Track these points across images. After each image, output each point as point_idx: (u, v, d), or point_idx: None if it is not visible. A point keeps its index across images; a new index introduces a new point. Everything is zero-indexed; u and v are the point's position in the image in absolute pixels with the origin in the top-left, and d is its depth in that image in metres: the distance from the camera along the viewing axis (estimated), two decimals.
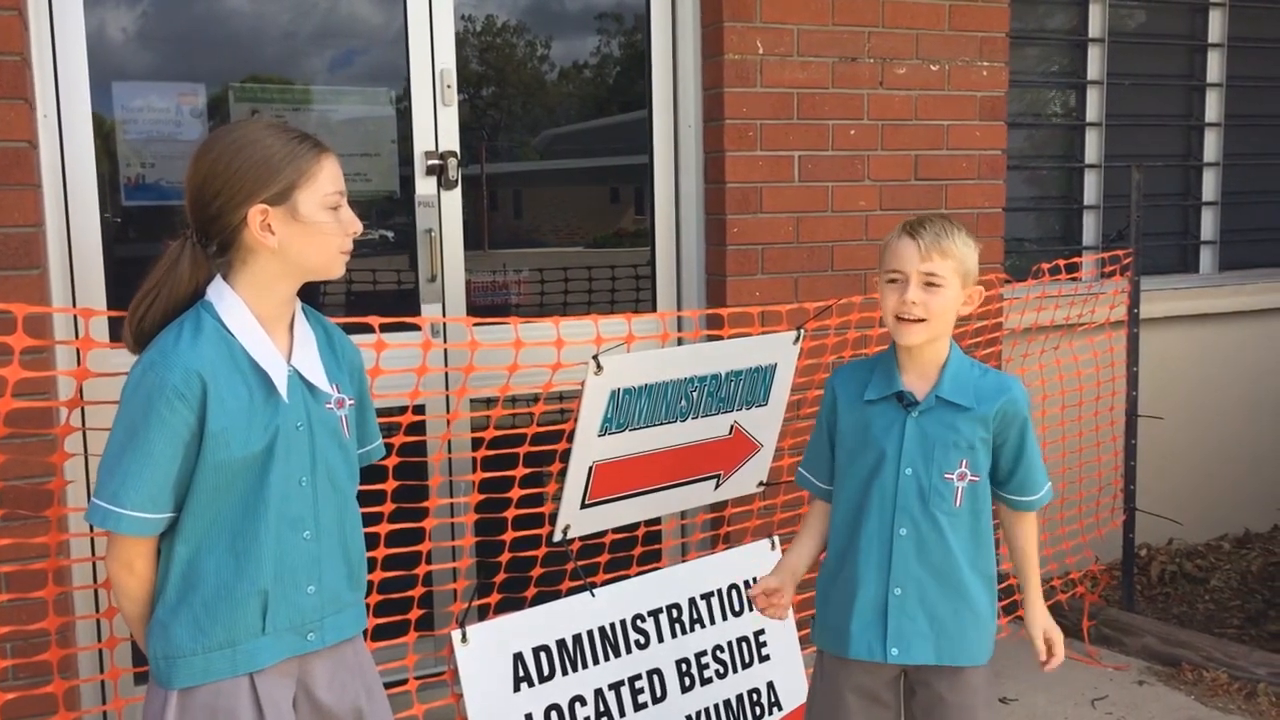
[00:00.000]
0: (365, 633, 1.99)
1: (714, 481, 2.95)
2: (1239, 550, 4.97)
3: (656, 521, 3.33)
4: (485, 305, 3.51)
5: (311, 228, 1.78)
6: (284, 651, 1.81)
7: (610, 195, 3.84)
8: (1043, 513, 3.89)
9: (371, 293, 3.37)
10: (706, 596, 2.91)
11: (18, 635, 2.32)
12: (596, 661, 2.68)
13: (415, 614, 2.73)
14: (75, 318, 2.85)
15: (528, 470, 2.84)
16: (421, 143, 3.31)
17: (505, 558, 2.86)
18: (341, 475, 1.88)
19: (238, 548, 1.76)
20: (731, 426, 2.89)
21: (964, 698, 2.16)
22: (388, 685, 2.05)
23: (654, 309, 3.70)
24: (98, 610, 2.78)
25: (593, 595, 2.69)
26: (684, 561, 3.06)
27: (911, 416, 2.16)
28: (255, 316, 1.80)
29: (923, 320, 2.09)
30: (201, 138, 3.12)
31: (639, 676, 2.75)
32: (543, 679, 2.59)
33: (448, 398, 3.21)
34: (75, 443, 2.31)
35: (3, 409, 2.10)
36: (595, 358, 2.51)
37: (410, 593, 2.72)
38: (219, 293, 1.80)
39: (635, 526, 3.05)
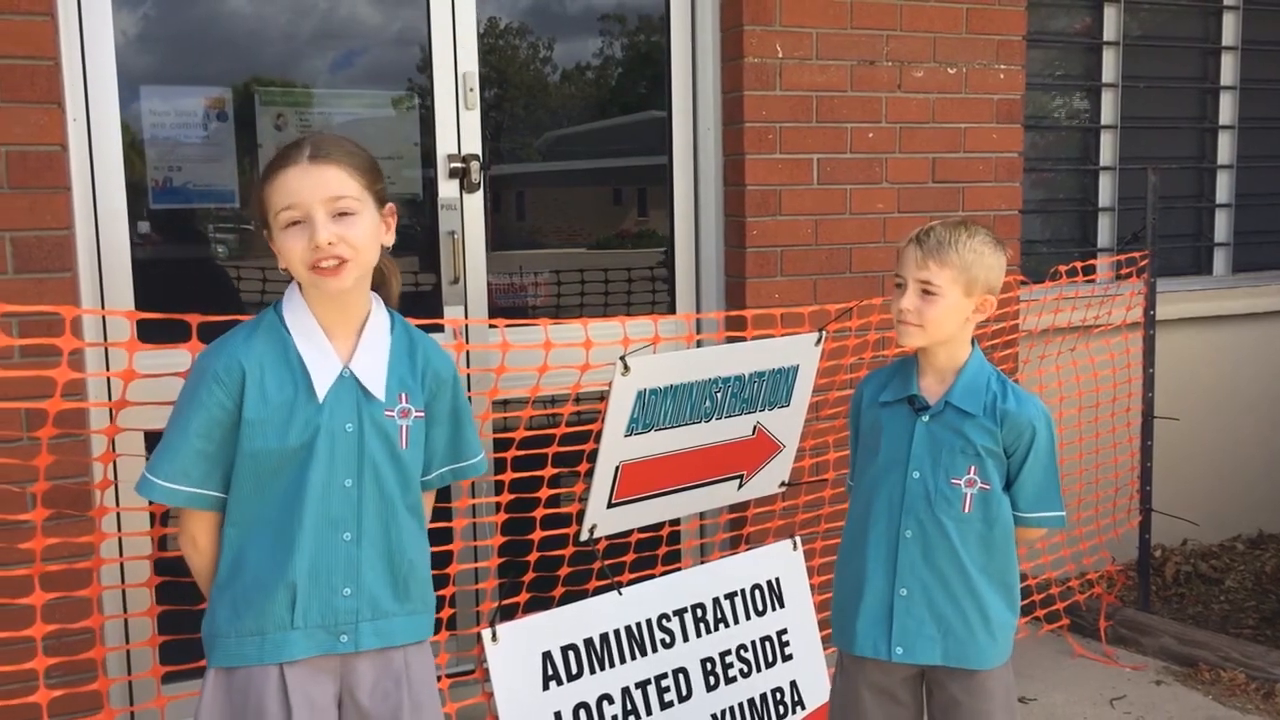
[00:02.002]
0: None
1: (737, 481, 2.97)
2: (1253, 551, 4.98)
3: (679, 521, 3.35)
4: (505, 307, 3.54)
5: (278, 248, 1.81)
6: (314, 648, 1.82)
7: (628, 196, 3.86)
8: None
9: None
10: (730, 596, 2.93)
11: (62, 634, 2.35)
12: (623, 660, 2.70)
13: (446, 613, 2.76)
14: (103, 320, 2.88)
15: (556, 470, 2.87)
16: (444, 146, 3.34)
17: (533, 557, 2.88)
18: (391, 483, 1.87)
19: (276, 540, 1.80)
20: (754, 427, 2.92)
21: (979, 702, 2.17)
22: None
23: (673, 310, 3.72)
24: (125, 610, 2.82)
25: (620, 594, 2.72)
26: (708, 561, 3.09)
27: (921, 420, 2.18)
28: (316, 318, 1.84)
29: (919, 326, 2.13)
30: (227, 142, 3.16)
31: (665, 675, 2.77)
32: (571, 678, 2.61)
33: (469, 399, 3.23)
34: (120, 443, 2.33)
35: (52, 409, 2.12)
36: (623, 358, 2.53)
37: (442, 592, 2.74)
38: (290, 292, 1.88)
39: (660, 526, 3.07)
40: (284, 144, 1.84)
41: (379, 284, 1.97)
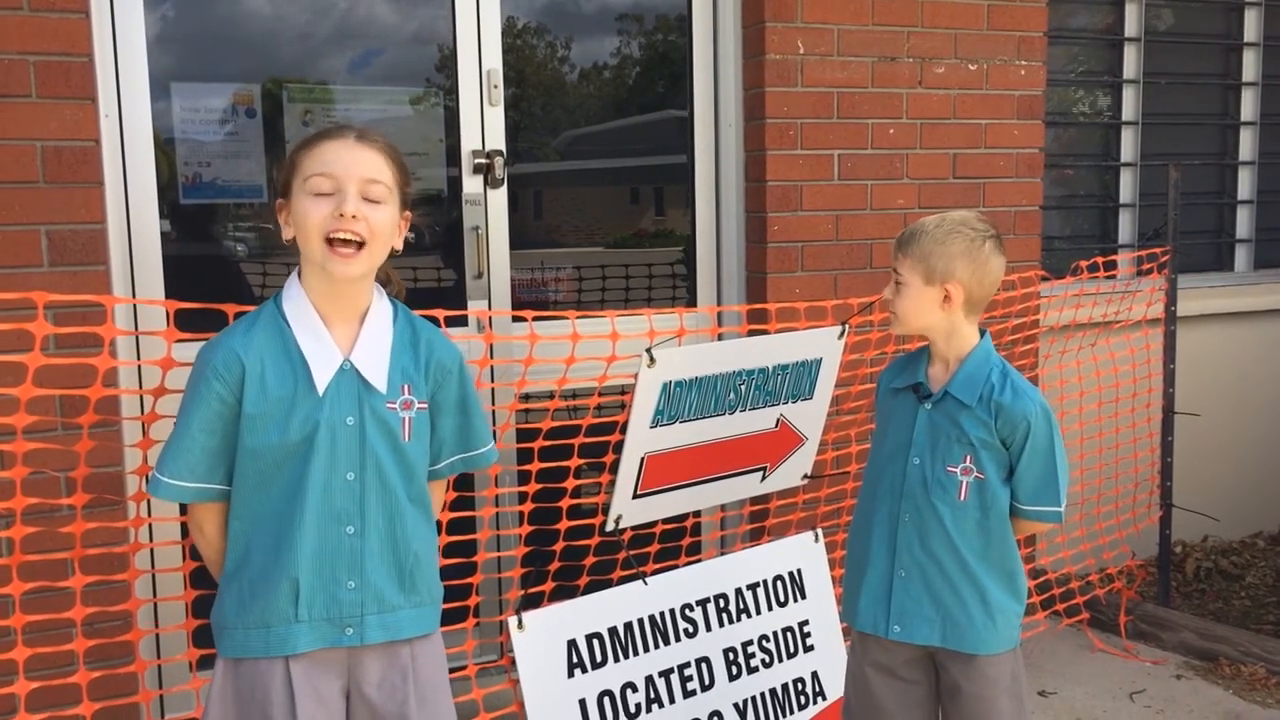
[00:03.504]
0: None
1: (760, 473, 2.99)
2: (1274, 547, 4.97)
3: (701, 513, 3.38)
4: (527, 302, 3.57)
5: (295, 213, 1.80)
6: (319, 641, 1.83)
7: (645, 196, 3.89)
8: (1080, 508, 3.95)
9: (415, 290, 3.42)
10: (753, 587, 2.96)
11: (100, 617, 2.40)
12: (647, 649, 2.73)
13: (472, 601, 2.79)
14: (134, 311, 2.93)
15: (581, 461, 2.90)
16: (468, 142, 3.37)
17: (559, 547, 2.91)
18: (394, 476, 1.86)
19: (279, 534, 1.80)
20: (778, 420, 2.94)
21: (979, 687, 2.20)
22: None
23: (694, 306, 3.75)
24: (155, 595, 2.86)
25: (645, 584, 2.75)
26: (731, 553, 3.11)
27: (924, 408, 2.23)
28: (316, 309, 1.84)
29: (893, 315, 2.25)
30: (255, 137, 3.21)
31: (688, 664, 2.80)
32: (595, 665, 2.64)
33: (493, 391, 3.27)
34: (157, 430, 2.38)
35: (94, 396, 2.17)
36: (648, 350, 2.56)
37: (468, 580, 2.78)
38: (289, 284, 1.87)
39: (684, 517, 3.10)
40: (305, 137, 1.86)
41: (382, 285, 1.97)
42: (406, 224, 1.92)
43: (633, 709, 2.68)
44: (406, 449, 1.87)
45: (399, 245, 1.90)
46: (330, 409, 1.80)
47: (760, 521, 3.50)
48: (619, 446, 2.67)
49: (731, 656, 2.88)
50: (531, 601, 2.74)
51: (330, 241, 1.77)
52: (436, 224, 3.42)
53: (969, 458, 2.17)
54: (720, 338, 3.59)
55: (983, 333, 2.26)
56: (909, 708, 2.28)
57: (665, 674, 2.76)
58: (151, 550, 2.74)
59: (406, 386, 1.88)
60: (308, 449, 1.79)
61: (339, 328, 1.85)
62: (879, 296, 3.40)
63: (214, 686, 1.86)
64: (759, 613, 2.96)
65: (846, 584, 2.37)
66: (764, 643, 2.95)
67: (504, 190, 3.41)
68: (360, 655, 1.86)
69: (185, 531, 2.48)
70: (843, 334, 2.95)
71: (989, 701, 2.19)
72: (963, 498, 2.17)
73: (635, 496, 2.73)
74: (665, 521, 3.02)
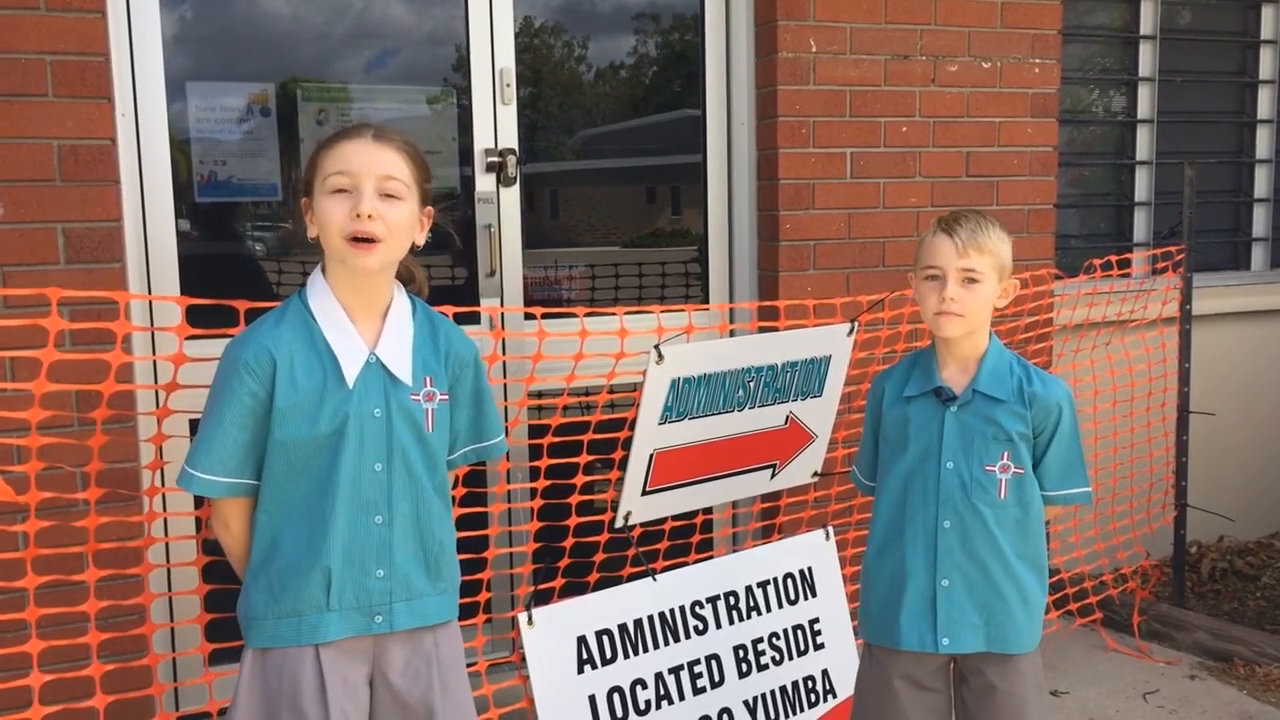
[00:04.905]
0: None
1: (770, 471, 3.00)
2: None
3: (711, 510, 3.38)
4: (540, 300, 3.58)
5: (317, 212, 1.85)
6: (349, 629, 1.87)
7: (661, 195, 3.90)
8: (1094, 508, 3.94)
9: (429, 287, 3.43)
10: (763, 584, 2.96)
11: (114, 611, 2.43)
12: (657, 646, 2.74)
13: (483, 597, 2.81)
14: (150, 307, 2.95)
15: (591, 458, 2.91)
16: (481, 140, 3.39)
17: (569, 543, 2.92)
18: (419, 466, 1.91)
19: (309, 525, 1.84)
20: (787, 417, 2.94)
21: (1014, 685, 2.19)
22: None
23: (705, 304, 3.75)
24: (169, 589, 2.89)
25: (654, 580, 2.75)
26: (741, 550, 3.12)
27: (950, 411, 2.20)
28: (340, 304, 1.88)
29: (961, 315, 2.15)
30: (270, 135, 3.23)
31: (698, 661, 2.81)
32: (605, 662, 2.65)
33: (505, 387, 3.29)
34: (170, 425, 2.40)
35: (107, 391, 2.19)
36: (657, 347, 2.57)
37: (478, 576, 2.80)
38: (313, 279, 1.91)
39: (694, 515, 3.10)
40: (326, 137, 1.89)
41: (405, 282, 2.01)
42: (429, 219, 1.96)
43: (642, 705, 2.69)
44: (430, 439, 1.92)
45: (420, 240, 1.94)
46: (358, 401, 1.85)
47: (771, 519, 3.51)
48: (629, 443, 2.68)
49: (742, 654, 2.89)
50: (542, 598, 2.75)
51: (349, 239, 1.82)
52: (450, 222, 3.43)
53: (1007, 454, 2.17)
54: (733, 334, 3.60)
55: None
56: (932, 714, 2.27)
57: (675, 671, 2.76)
58: (166, 545, 2.76)
59: (428, 379, 1.93)
60: (338, 441, 1.83)
61: (362, 323, 1.89)
62: (889, 294, 3.41)
63: (241, 677, 1.89)
64: (769, 610, 2.96)
65: (876, 604, 2.28)
66: (774, 640, 2.95)
67: (516, 189, 3.43)
68: (385, 643, 1.91)
69: (199, 526, 2.52)
70: (852, 331, 2.95)
71: (1020, 698, 2.19)
72: (1003, 496, 2.17)
73: (644, 493, 2.74)
74: (675, 519, 3.02)
